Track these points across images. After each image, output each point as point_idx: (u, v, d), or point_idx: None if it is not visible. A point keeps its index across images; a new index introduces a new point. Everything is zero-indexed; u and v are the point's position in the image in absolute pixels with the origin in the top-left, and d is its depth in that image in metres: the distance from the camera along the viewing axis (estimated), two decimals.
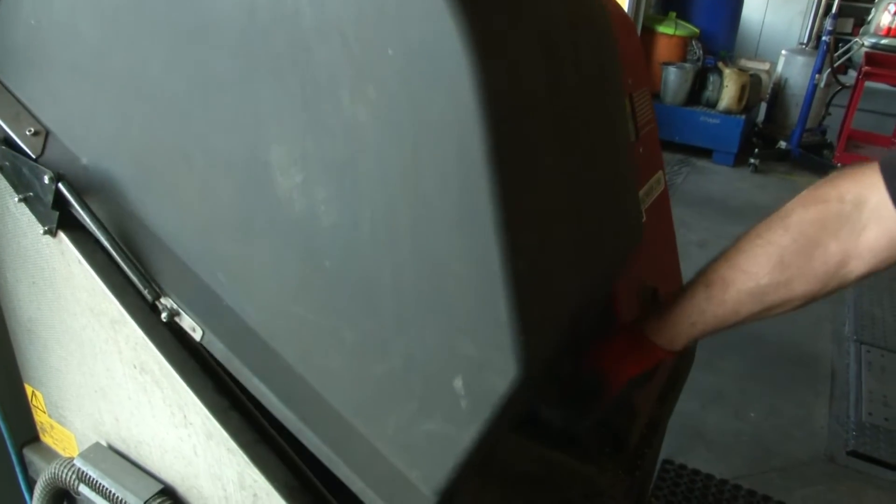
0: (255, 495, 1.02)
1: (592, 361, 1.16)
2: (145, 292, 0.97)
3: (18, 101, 1.05)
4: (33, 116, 1.04)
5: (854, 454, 2.76)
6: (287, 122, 0.79)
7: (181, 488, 1.14)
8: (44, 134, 1.03)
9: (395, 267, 0.78)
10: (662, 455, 2.33)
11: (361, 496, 0.91)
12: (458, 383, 0.79)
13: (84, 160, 1.01)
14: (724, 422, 2.92)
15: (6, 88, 1.06)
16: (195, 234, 0.94)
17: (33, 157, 1.02)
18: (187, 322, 0.98)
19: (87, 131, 1.00)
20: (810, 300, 0.94)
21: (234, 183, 0.86)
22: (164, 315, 0.98)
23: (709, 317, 1.00)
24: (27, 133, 1.03)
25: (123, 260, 0.98)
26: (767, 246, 0.92)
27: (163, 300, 0.98)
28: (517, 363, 0.74)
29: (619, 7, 1.66)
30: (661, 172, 1.75)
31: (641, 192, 1.61)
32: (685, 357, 1.93)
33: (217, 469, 1.05)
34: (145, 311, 1.04)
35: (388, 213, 0.76)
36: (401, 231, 0.76)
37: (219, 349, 0.97)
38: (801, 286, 0.91)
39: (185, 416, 1.04)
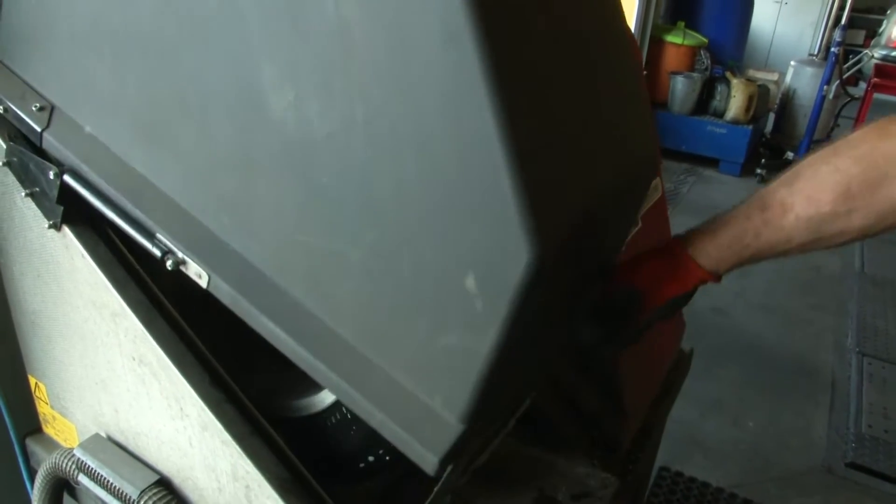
0: (247, 486, 1.04)
1: (628, 278, 1.07)
2: (149, 245, 0.97)
3: (24, 82, 1.08)
4: (38, 94, 1.07)
5: (853, 466, 2.76)
6: (274, 35, 0.79)
7: (177, 479, 1.17)
8: (49, 108, 1.06)
9: (394, 167, 0.75)
10: (659, 462, 2.34)
11: (382, 430, 0.87)
12: (470, 282, 0.74)
13: (87, 128, 1.03)
14: (723, 430, 2.92)
15: (12, 72, 1.09)
16: (197, 181, 0.94)
17: (39, 129, 1.04)
18: (193, 269, 0.96)
19: (89, 98, 1.02)
20: (865, 235, 0.91)
21: (230, 117, 0.86)
22: (169, 264, 0.96)
23: (763, 242, 0.95)
24: (33, 109, 1.05)
25: (124, 219, 1.00)
26: (835, 174, 0.88)
27: (162, 240, 0.98)
28: (529, 246, 0.70)
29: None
30: (658, 180, 1.77)
31: None
32: (681, 364, 1.95)
33: (211, 460, 1.08)
34: (145, 305, 1.07)
35: (381, 109, 0.74)
36: (397, 126, 0.74)
37: (225, 292, 0.94)
38: (861, 219, 0.88)
39: (181, 409, 1.07)
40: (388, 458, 1.11)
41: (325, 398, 1.14)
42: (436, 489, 0.93)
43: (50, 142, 1.04)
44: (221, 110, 0.88)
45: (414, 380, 0.83)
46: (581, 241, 0.84)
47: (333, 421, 1.14)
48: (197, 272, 0.96)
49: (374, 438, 1.09)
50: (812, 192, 0.90)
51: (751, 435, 2.92)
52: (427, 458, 0.84)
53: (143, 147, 0.98)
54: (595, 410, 1.51)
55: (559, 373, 1.50)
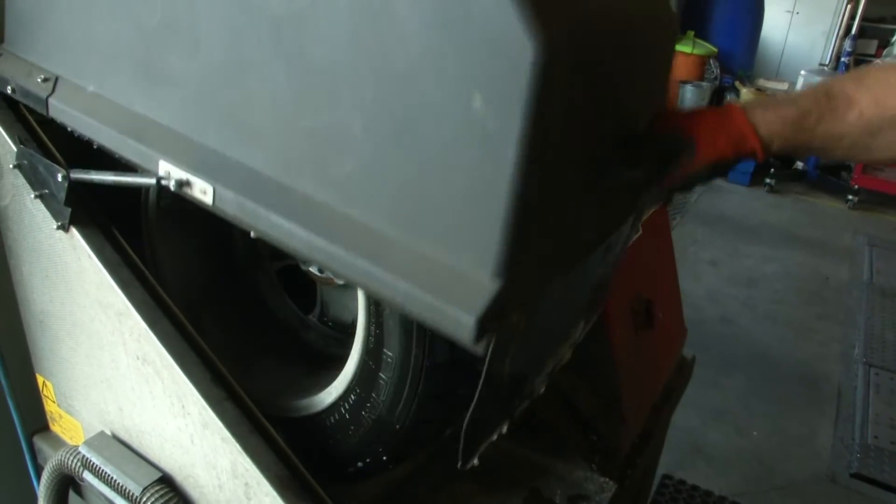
0: (246, 484, 1.06)
1: (680, 124, 0.99)
2: (151, 173, 0.97)
3: (30, 63, 1.13)
4: (43, 70, 1.11)
5: (857, 476, 2.75)
6: None
7: (179, 476, 1.19)
8: (53, 79, 1.09)
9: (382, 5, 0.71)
10: (662, 469, 2.35)
11: (408, 304, 0.76)
12: (477, 102, 0.66)
13: (90, 87, 1.05)
14: (726, 439, 2.92)
15: (19, 57, 1.14)
16: (195, 102, 0.93)
17: (44, 96, 1.08)
18: (198, 187, 0.93)
19: (89, 59, 1.05)
20: None
21: (218, 21, 0.86)
22: (172, 185, 0.94)
23: (822, 129, 0.92)
24: (38, 81, 1.09)
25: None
26: None
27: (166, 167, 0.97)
28: (531, 35, 0.62)
29: None
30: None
31: None
32: (682, 370, 1.96)
33: (212, 458, 1.10)
34: (149, 305, 1.10)
35: None
36: None
37: (231, 202, 0.90)
38: None
39: (183, 407, 1.09)
40: (384, 458, 1.13)
41: (325, 398, 1.16)
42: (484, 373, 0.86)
43: (55, 106, 1.07)
44: (209, 18, 0.87)
45: (437, 243, 0.73)
46: (594, 59, 0.77)
47: (332, 421, 1.16)
48: (202, 188, 0.92)
49: (371, 439, 1.12)
50: (880, 94, 0.89)
51: (755, 444, 2.91)
52: (463, 322, 0.70)
53: (142, 87, 0.98)
54: (593, 414, 1.53)
55: (557, 375, 1.51)
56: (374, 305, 1.02)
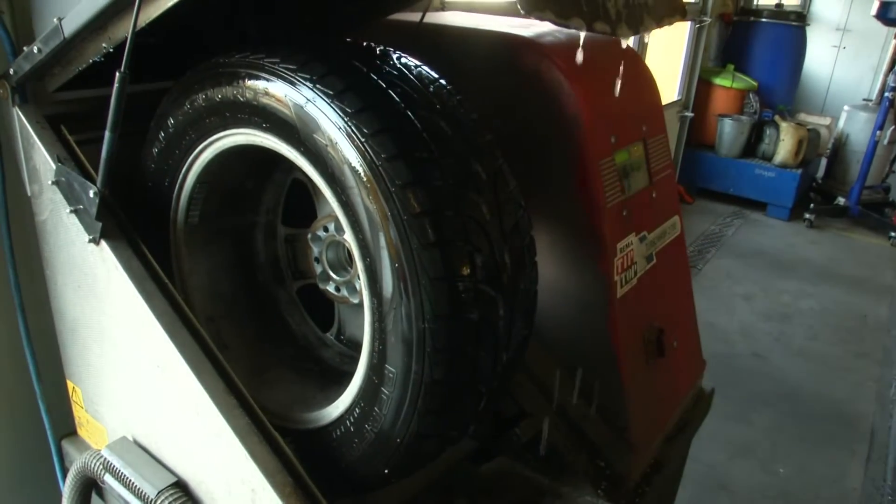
0: (252, 490, 1.10)
1: None
2: None
3: None
4: None
5: None
6: None
7: (192, 481, 1.24)
8: None
9: None
10: (682, 503, 2.31)
11: None
12: None
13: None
14: (751, 475, 2.86)
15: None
16: None
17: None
18: None
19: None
20: None
21: None
22: None
23: None
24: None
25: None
26: None
27: None
28: None
29: (637, 60, 1.75)
30: (676, 217, 1.80)
31: (653, 235, 1.67)
32: (700, 402, 1.95)
33: (222, 465, 1.15)
34: (170, 315, 1.16)
35: None
36: None
37: None
38: None
39: (197, 414, 1.14)
40: (386, 471, 1.16)
41: (332, 412, 1.21)
42: None
43: None
44: None
45: None
46: None
47: (337, 434, 1.20)
48: None
49: (374, 452, 1.15)
50: None
51: (781, 482, 2.85)
52: None
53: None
54: (602, 441, 1.54)
55: (566, 401, 1.53)
56: (379, 322, 1.07)
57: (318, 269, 1.33)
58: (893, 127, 6.33)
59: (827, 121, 7.26)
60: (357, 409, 1.15)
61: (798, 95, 8.05)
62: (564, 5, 0.81)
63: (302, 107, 1.01)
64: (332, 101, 0.99)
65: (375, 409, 1.11)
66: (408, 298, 1.00)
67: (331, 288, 1.33)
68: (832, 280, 5.08)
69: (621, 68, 1.37)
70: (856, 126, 6.77)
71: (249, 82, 1.07)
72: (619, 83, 1.42)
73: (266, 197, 1.39)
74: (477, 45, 1.48)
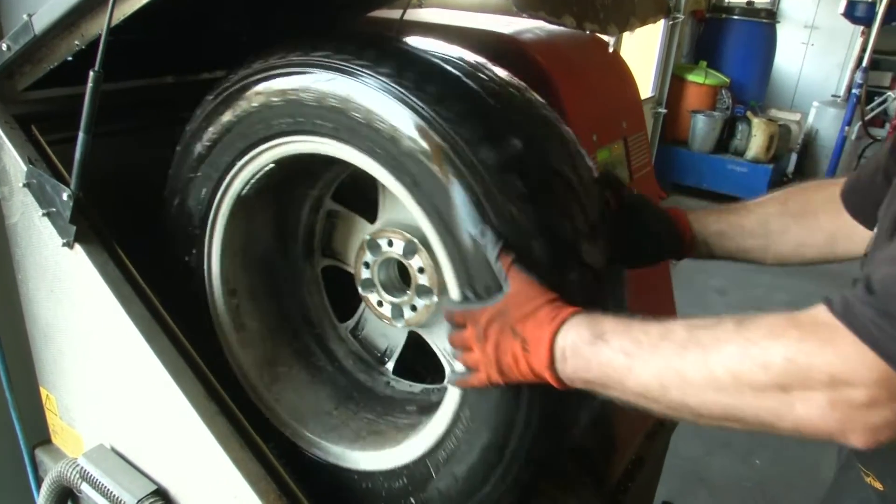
0: (236, 498, 1.08)
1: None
2: None
3: None
4: None
5: None
6: None
7: (172, 489, 1.22)
8: None
9: None
10: (662, 497, 2.33)
11: None
12: None
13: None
14: (730, 467, 2.90)
15: None
16: None
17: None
18: None
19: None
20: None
21: None
22: None
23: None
24: None
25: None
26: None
27: None
28: None
29: (616, 57, 1.75)
30: None
31: None
32: None
33: (203, 471, 1.13)
34: (148, 320, 1.14)
35: None
36: None
37: None
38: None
39: (176, 420, 1.12)
40: None
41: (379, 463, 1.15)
42: None
43: None
44: None
45: None
46: None
47: (365, 487, 1.16)
48: None
49: None
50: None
51: (758, 473, 2.89)
52: None
53: None
54: (584, 439, 1.54)
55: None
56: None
57: (365, 274, 1.19)
58: (861, 122, 6.45)
59: (797, 116, 7.38)
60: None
61: (769, 91, 8.16)
62: (557, 4, 0.81)
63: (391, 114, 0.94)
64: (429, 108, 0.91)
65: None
66: None
67: (372, 299, 1.20)
68: (804, 274, 5.14)
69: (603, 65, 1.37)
70: (825, 122, 6.90)
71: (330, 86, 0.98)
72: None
73: (328, 175, 1.29)
74: (459, 43, 1.47)
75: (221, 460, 1.08)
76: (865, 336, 0.65)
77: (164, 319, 1.15)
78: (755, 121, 6.53)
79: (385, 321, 1.20)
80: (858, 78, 6.22)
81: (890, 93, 7.31)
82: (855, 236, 1.10)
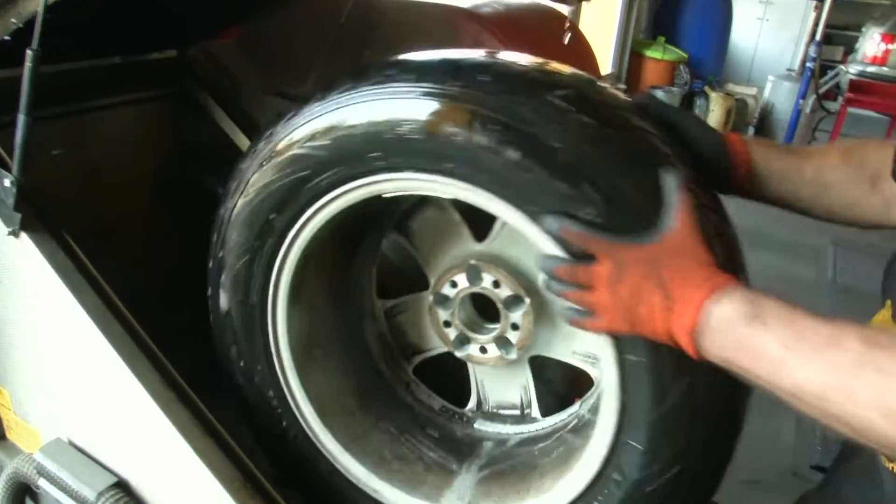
0: (199, 486, 1.07)
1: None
2: None
3: None
4: None
5: (817, 468, 2.79)
6: None
7: (134, 481, 1.19)
8: None
9: None
10: None
11: None
12: None
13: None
14: None
15: None
16: None
17: None
18: None
19: None
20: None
21: None
22: None
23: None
24: None
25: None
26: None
27: None
28: None
29: (575, 30, 1.75)
30: None
31: None
32: None
33: (165, 462, 1.10)
34: (101, 309, 1.10)
35: None
36: None
37: None
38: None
39: (135, 410, 1.09)
40: None
41: None
42: None
43: None
44: None
45: None
46: None
47: None
48: None
49: None
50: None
51: None
52: None
53: None
54: None
55: None
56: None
57: (453, 333, 1.11)
58: (815, 96, 6.58)
59: (753, 91, 7.50)
60: None
61: (726, 66, 8.27)
62: None
63: None
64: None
65: None
66: None
67: (474, 351, 1.12)
68: (762, 245, 5.25)
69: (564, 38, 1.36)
70: (780, 95, 7.02)
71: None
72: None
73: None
74: (417, 17, 1.45)
75: (182, 449, 1.06)
76: None
77: (117, 308, 1.12)
78: (713, 95, 6.62)
79: (500, 364, 1.11)
80: (812, 52, 6.32)
81: (841, 66, 7.47)
82: None
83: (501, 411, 1.21)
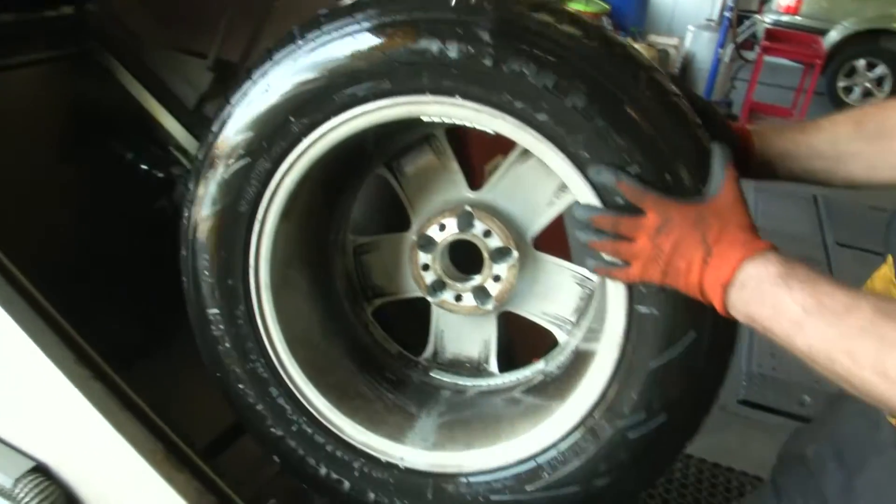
0: (122, 462, 1.03)
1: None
2: None
3: None
4: None
5: (744, 402, 2.95)
6: None
7: (53, 464, 1.14)
8: None
9: None
10: None
11: None
12: None
13: None
14: None
15: None
16: None
17: None
18: None
19: None
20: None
21: None
22: None
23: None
24: None
25: None
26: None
27: None
28: None
29: None
30: None
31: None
32: None
33: (84, 440, 1.06)
34: (2, 286, 1.04)
35: None
36: None
37: None
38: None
39: (48, 389, 1.04)
40: None
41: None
42: None
43: None
44: None
45: None
46: None
47: None
48: None
49: None
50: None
51: None
52: None
53: None
54: None
55: None
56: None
57: (430, 278, 1.10)
58: (733, 45, 6.73)
59: (675, 41, 7.60)
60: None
61: (647, 17, 8.37)
62: None
63: None
64: None
65: None
66: None
67: (449, 298, 1.11)
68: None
69: None
70: (700, 45, 7.13)
71: None
72: None
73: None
74: None
75: (100, 425, 1.02)
76: None
77: (20, 283, 1.05)
78: (636, 46, 6.68)
79: (474, 314, 1.11)
80: (729, 2, 6.45)
81: (757, 16, 7.66)
82: None
83: (458, 362, 1.21)
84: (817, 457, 1.07)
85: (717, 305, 0.82)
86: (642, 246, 0.84)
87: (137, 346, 1.36)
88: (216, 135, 0.97)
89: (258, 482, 1.18)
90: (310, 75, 0.90)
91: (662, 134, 0.84)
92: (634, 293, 0.89)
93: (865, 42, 7.59)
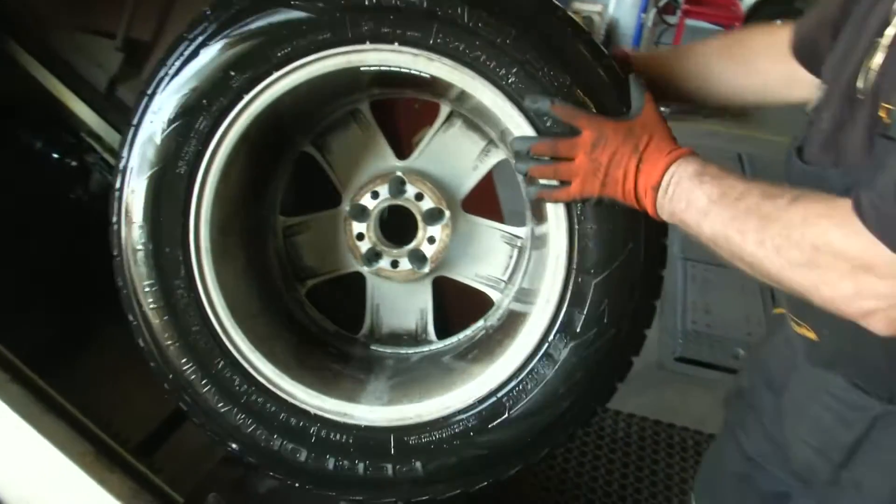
0: (50, 466, 0.99)
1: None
2: None
3: None
4: None
5: (681, 359, 3.04)
6: None
7: None
8: None
9: None
10: None
11: None
12: None
13: None
14: None
15: None
16: None
17: None
18: None
19: None
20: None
21: None
22: None
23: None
24: None
25: None
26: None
27: None
28: None
29: None
30: None
31: None
32: None
33: (9, 447, 1.01)
34: None
35: None
36: None
37: None
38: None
39: None
40: None
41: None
42: None
43: None
44: None
45: None
46: None
47: None
48: None
49: None
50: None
51: None
52: None
53: None
54: None
55: None
56: None
57: (365, 247, 1.11)
58: (655, 10, 6.84)
59: (598, 7, 7.65)
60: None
61: None
62: None
63: None
64: None
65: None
66: None
67: (385, 265, 1.11)
68: None
69: None
70: (624, 11, 7.21)
71: None
72: None
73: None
74: None
75: (24, 431, 0.97)
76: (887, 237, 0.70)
77: None
78: None
79: (411, 281, 1.13)
80: None
81: None
82: (794, 84, 1.08)
83: (396, 335, 1.21)
84: (752, 387, 1.13)
85: (649, 209, 0.90)
86: (580, 162, 0.90)
87: (60, 346, 1.30)
88: (151, 96, 0.93)
89: (197, 475, 1.15)
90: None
91: (585, 64, 0.93)
92: (572, 211, 0.94)
93: (781, 2, 7.82)
